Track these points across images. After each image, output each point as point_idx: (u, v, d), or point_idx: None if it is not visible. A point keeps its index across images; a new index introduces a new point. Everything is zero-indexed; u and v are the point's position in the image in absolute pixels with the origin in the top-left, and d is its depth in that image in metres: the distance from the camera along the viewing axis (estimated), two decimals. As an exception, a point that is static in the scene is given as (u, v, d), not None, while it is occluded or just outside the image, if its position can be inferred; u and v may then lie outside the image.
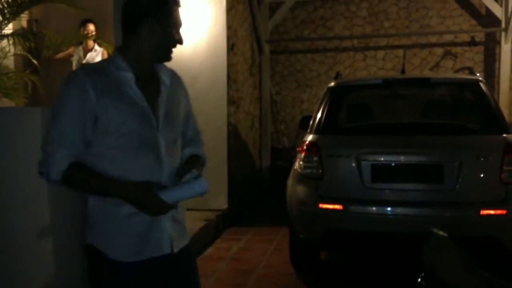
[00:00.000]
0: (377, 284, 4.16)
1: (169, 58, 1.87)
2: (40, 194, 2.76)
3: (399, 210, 3.79)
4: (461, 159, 3.73)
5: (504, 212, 3.63)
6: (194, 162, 1.95)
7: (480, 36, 8.22)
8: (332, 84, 4.62)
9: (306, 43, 8.92)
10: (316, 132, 4.19)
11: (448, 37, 8.35)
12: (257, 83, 8.12)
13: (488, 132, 4.03)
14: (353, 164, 3.87)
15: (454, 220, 3.65)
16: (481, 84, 4.28)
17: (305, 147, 4.08)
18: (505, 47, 7.65)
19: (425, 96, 5.22)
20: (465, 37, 8.17)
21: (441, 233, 1.31)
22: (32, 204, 2.77)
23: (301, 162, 4.07)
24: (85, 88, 1.70)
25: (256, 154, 8.10)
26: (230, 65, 6.35)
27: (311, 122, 4.36)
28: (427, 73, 8.02)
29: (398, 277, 4.04)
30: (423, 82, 4.81)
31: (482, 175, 3.76)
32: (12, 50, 4.78)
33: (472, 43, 8.01)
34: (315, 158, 3.97)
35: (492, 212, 3.64)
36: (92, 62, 5.65)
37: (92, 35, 6.02)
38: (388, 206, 3.80)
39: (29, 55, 5.26)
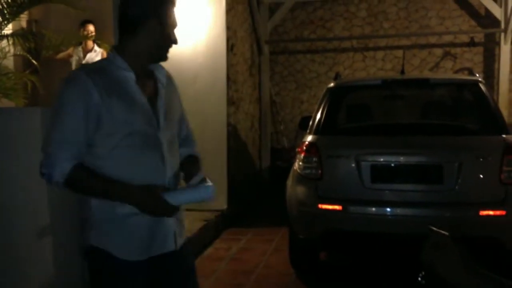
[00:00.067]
0: (376, 284, 4.16)
1: (166, 58, 1.87)
2: (40, 194, 2.76)
3: (398, 210, 3.79)
4: (461, 159, 3.74)
5: (503, 212, 3.63)
6: (194, 163, 1.96)
7: (479, 37, 8.21)
8: (332, 84, 4.62)
9: (306, 44, 8.91)
10: (315, 133, 4.19)
11: (448, 38, 8.35)
12: (256, 84, 8.12)
13: (487, 133, 4.03)
14: (353, 165, 3.87)
15: (453, 220, 3.65)
16: (481, 85, 4.28)
17: (304, 148, 4.08)
18: (504, 48, 7.64)
19: (424, 96, 5.22)
20: (465, 38, 8.16)
21: (441, 231, 1.31)
22: (32, 204, 2.77)
23: (300, 163, 4.07)
24: (87, 89, 1.69)
25: (256, 154, 8.10)
26: (229, 65, 6.35)
27: (310, 123, 4.36)
28: (426, 74, 8.01)
29: (397, 278, 4.05)
30: (423, 83, 4.82)
31: (481, 176, 3.76)
32: (12, 50, 4.77)
33: (472, 44, 8.00)
34: (314, 159, 3.97)
35: (491, 212, 3.64)
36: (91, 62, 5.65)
37: (91, 36, 6.04)
38: (387, 207, 3.80)
39: (28, 56, 5.25)
